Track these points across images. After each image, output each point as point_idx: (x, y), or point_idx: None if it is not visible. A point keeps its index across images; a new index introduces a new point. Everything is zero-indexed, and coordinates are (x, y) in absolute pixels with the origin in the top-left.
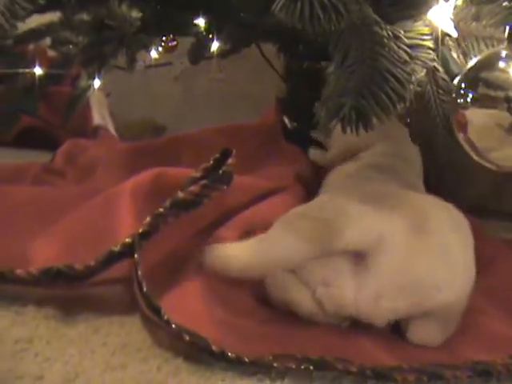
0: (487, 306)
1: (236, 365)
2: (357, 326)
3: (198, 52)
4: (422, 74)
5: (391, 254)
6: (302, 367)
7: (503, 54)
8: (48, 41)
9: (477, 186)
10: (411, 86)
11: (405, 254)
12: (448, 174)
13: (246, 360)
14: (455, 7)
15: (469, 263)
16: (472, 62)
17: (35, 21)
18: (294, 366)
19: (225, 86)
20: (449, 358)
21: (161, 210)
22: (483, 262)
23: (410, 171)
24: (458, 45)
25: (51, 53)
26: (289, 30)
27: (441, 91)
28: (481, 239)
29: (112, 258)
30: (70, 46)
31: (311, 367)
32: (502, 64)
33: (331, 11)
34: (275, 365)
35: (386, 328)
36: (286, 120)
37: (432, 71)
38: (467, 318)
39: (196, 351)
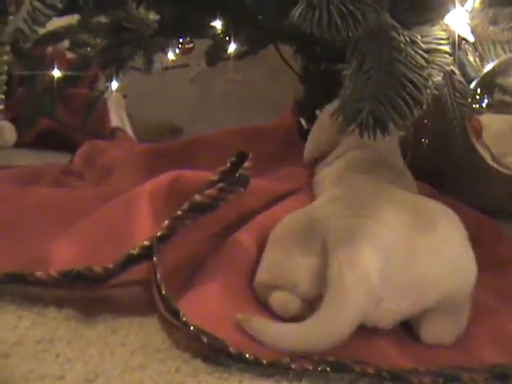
0: (504, 307)
1: (254, 366)
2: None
3: (215, 54)
4: (439, 77)
5: (392, 255)
6: (319, 369)
7: None
8: (66, 43)
9: (494, 188)
10: (428, 91)
11: (405, 255)
12: (465, 175)
13: (264, 362)
14: (472, 11)
15: (466, 257)
16: (488, 68)
17: (54, 24)
18: (311, 368)
19: (242, 87)
20: (466, 361)
21: (179, 212)
22: (499, 263)
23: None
24: (475, 49)
25: (70, 55)
26: (306, 32)
27: (458, 94)
28: (497, 240)
29: (131, 261)
30: (88, 49)
31: (328, 369)
32: None
33: (349, 18)
34: (293, 366)
35: (401, 330)
36: (303, 121)
37: (449, 75)
38: (484, 320)
39: (214, 353)
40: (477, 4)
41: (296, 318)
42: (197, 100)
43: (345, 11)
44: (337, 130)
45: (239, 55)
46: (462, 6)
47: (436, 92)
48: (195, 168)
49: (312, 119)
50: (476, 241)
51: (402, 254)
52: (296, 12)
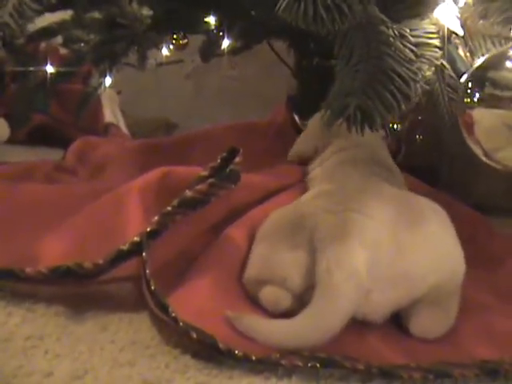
0: (496, 303)
1: (243, 362)
2: (364, 322)
3: (209, 49)
4: (430, 72)
5: (379, 248)
6: (309, 365)
7: (511, 53)
8: (60, 39)
9: (486, 184)
10: (417, 85)
11: (392, 246)
12: (459, 172)
13: (253, 358)
14: (462, 5)
15: (454, 250)
16: (479, 62)
17: (47, 19)
18: (301, 364)
19: (236, 83)
20: (457, 356)
21: (169, 208)
22: (491, 259)
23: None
24: (465, 43)
25: (63, 51)
26: (297, 26)
27: (449, 89)
28: (490, 237)
29: (121, 257)
30: (82, 44)
31: (318, 365)
32: (509, 64)
33: (334, 11)
34: (282, 363)
35: (392, 326)
36: (297, 117)
37: (440, 69)
38: (475, 316)
39: (204, 349)
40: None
41: (286, 315)
42: (191, 96)
43: (330, 4)
44: (325, 125)
45: (233, 51)
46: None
47: (427, 87)
48: (188, 164)
49: (305, 114)
50: (469, 237)
51: (390, 246)
52: (282, 5)
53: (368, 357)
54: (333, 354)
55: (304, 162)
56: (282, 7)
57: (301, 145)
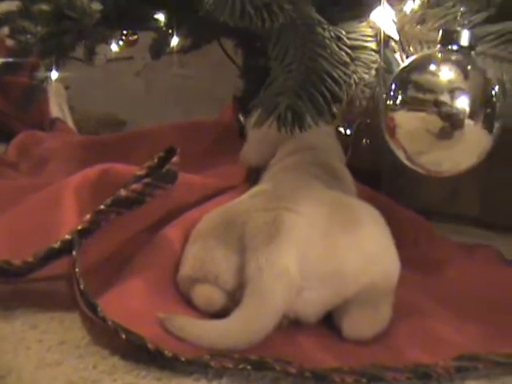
0: (433, 308)
1: (173, 363)
2: (298, 325)
3: (159, 47)
4: (366, 75)
5: (310, 245)
6: (240, 367)
7: (435, 56)
8: (6, 30)
9: (429, 189)
10: (353, 87)
11: (324, 244)
12: (403, 177)
13: (183, 359)
14: (401, 11)
15: (387, 251)
16: (404, 64)
17: None
18: (231, 366)
19: (187, 82)
20: (390, 360)
21: (102, 207)
22: (432, 263)
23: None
24: (403, 48)
25: (10, 42)
26: (248, 27)
27: None
28: (430, 240)
29: (52, 255)
30: (29, 36)
31: (249, 367)
32: (433, 67)
33: (262, 9)
34: (212, 364)
35: (325, 330)
36: (242, 118)
37: (382, 74)
38: (412, 320)
39: (133, 349)
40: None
41: (219, 315)
42: (141, 93)
43: (259, 2)
44: (255, 124)
45: (184, 49)
46: (400, 4)
47: (367, 90)
48: (131, 162)
49: (251, 115)
50: (411, 241)
51: (321, 245)
52: (209, 1)
53: (301, 360)
54: (264, 357)
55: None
56: (209, 2)
57: (250, 151)
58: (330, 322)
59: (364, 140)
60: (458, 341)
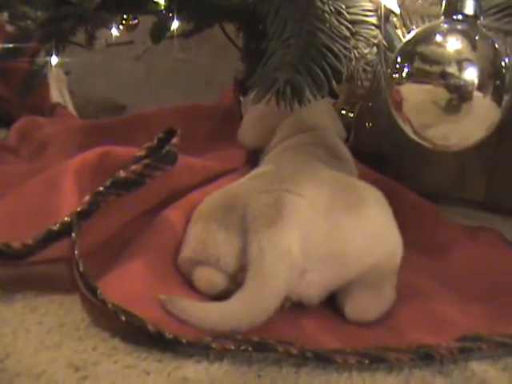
0: (439, 290)
1: (174, 346)
2: (300, 308)
3: (160, 31)
4: (367, 50)
5: (312, 227)
6: (242, 349)
7: (441, 27)
8: (5, 15)
9: (435, 172)
10: (353, 62)
11: (326, 226)
12: (408, 159)
13: (184, 341)
14: None
15: (390, 232)
16: (409, 36)
17: None
18: (233, 348)
19: (187, 66)
20: (393, 341)
21: (101, 188)
22: (437, 245)
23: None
24: (404, 23)
25: (9, 28)
26: (250, 9)
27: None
28: (435, 223)
29: (51, 237)
30: (29, 22)
31: (251, 349)
32: (439, 38)
33: None
34: (213, 346)
35: (329, 312)
36: (243, 100)
37: (383, 51)
38: (417, 302)
39: (134, 332)
40: None
41: (221, 297)
42: (141, 78)
43: None
44: (253, 101)
45: (185, 34)
46: None
47: (369, 68)
48: (132, 145)
49: None
50: (416, 224)
51: (323, 226)
52: None
53: (303, 341)
54: (266, 338)
55: (255, 147)
56: None
57: (247, 132)
58: (332, 303)
59: (367, 123)
60: (462, 322)
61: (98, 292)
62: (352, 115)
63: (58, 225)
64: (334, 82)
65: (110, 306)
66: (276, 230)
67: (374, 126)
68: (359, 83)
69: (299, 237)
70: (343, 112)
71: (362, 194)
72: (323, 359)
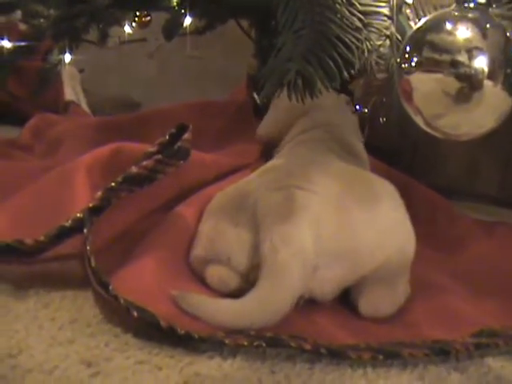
0: (454, 285)
1: (186, 341)
2: (313, 304)
3: (173, 28)
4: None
5: (324, 223)
6: (255, 345)
7: (451, 15)
8: (19, 14)
9: (449, 167)
10: (365, 54)
11: (338, 221)
12: (420, 153)
13: (196, 336)
14: None
15: (403, 228)
16: (419, 24)
17: None
18: (246, 344)
19: (200, 62)
20: (408, 336)
21: (112, 184)
22: (451, 241)
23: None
24: (416, 13)
25: (23, 26)
26: (262, 5)
27: None
28: (449, 218)
29: (63, 233)
30: (41, 20)
31: (264, 344)
32: (449, 25)
33: None
34: (226, 342)
35: (342, 307)
36: (256, 96)
37: (396, 44)
38: (430, 297)
39: (146, 327)
40: None
41: (233, 295)
42: (155, 75)
43: None
44: (263, 95)
45: (198, 31)
46: None
47: (382, 61)
48: (146, 142)
49: None
50: (431, 220)
51: (336, 222)
52: None
53: (316, 337)
54: (279, 334)
55: (271, 142)
56: None
57: (266, 126)
58: (346, 299)
59: (380, 118)
60: (477, 317)
61: (110, 288)
62: (367, 111)
63: (70, 221)
64: (345, 74)
65: (122, 301)
66: (288, 227)
67: (388, 121)
68: (373, 77)
69: (311, 233)
70: (357, 107)
71: (375, 188)
72: (337, 355)
